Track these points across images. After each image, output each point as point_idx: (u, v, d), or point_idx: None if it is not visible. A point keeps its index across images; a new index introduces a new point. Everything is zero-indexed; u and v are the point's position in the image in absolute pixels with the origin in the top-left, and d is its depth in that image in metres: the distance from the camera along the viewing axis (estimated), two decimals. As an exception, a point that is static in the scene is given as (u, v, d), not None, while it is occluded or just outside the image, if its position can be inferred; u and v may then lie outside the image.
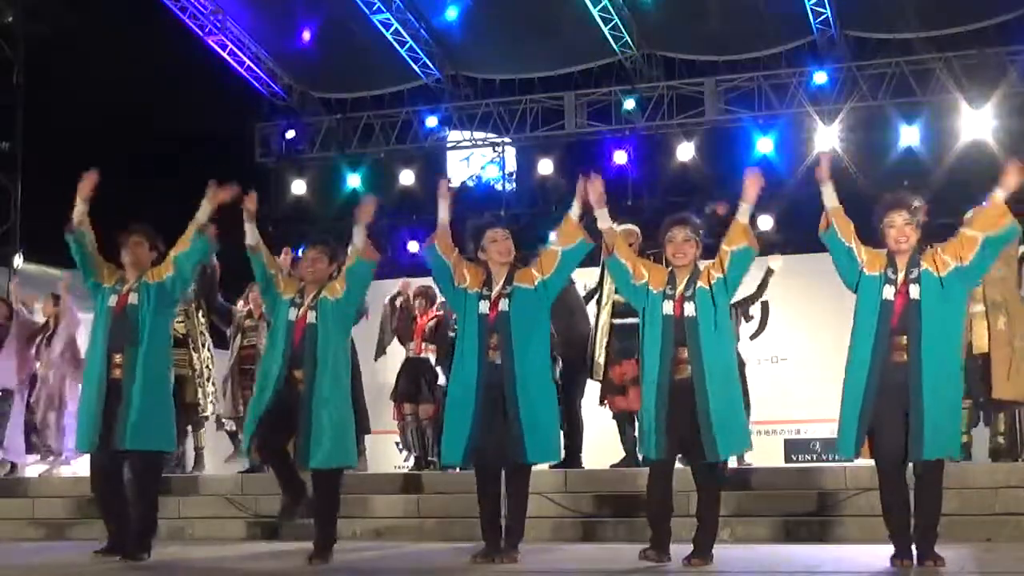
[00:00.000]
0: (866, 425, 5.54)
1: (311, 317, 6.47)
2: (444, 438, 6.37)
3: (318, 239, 6.81)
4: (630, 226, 9.04)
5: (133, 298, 6.68)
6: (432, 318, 10.44)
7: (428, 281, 11.26)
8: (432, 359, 10.40)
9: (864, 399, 5.55)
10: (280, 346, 6.48)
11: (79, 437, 6.74)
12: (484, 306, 6.25)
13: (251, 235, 6.72)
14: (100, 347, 6.67)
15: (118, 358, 6.61)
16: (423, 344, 10.41)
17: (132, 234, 6.85)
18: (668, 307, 5.94)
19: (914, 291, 5.58)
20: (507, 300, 6.22)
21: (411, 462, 10.59)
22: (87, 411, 6.66)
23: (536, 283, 6.25)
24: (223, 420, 10.30)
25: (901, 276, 5.64)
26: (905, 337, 5.54)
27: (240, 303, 10.43)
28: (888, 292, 5.62)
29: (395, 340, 10.53)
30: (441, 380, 10.36)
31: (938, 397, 5.48)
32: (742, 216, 6.02)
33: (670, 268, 6.10)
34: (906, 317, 5.56)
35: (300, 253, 6.81)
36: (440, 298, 10.53)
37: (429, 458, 10.49)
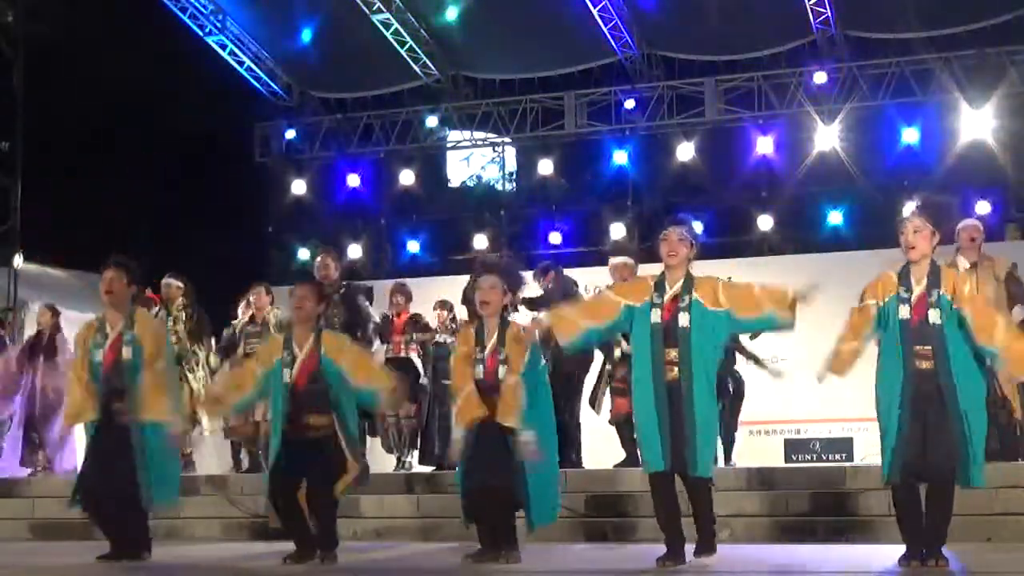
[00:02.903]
0: (910, 449, 5.46)
1: (311, 366, 6.38)
2: (457, 477, 6.33)
3: (305, 278, 6.81)
4: (625, 259, 9.08)
5: (126, 352, 6.57)
6: (409, 316, 10.45)
7: (420, 280, 11.32)
8: (412, 357, 10.42)
9: (900, 420, 5.46)
10: (280, 406, 6.38)
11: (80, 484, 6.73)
12: (479, 371, 6.19)
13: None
14: (97, 398, 6.57)
15: (119, 405, 6.52)
16: (402, 344, 10.40)
17: (109, 268, 6.68)
18: (655, 315, 5.89)
19: (933, 315, 5.52)
20: (505, 367, 6.16)
21: (413, 460, 10.60)
22: (91, 460, 6.61)
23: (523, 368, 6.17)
24: (227, 430, 10.27)
25: (918, 291, 5.59)
26: (928, 347, 5.50)
27: (242, 306, 10.41)
28: (903, 311, 5.56)
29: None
30: (423, 379, 10.37)
31: (971, 420, 5.46)
32: (798, 294, 5.85)
33: (660, 272, 6.09)
34: (927, 336, 5.51)
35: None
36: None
37: (406, 459, 10.52)
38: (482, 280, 6.39)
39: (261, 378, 6.52)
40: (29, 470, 10.68)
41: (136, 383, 6.52)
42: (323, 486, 6.35)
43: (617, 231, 15.44)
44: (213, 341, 10.60)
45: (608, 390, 9.29)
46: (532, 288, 9.04)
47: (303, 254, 15.76)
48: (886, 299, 5.63)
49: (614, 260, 9.21)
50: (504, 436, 6.06)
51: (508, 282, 6.36)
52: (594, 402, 9.40)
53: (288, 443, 6.32)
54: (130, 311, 6.71)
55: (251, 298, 10.19)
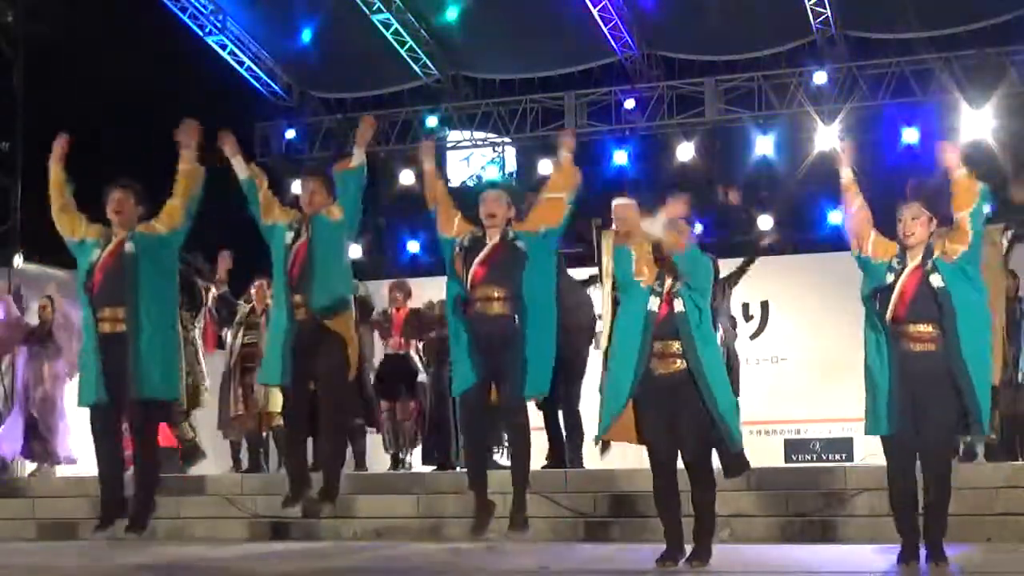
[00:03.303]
0: (896, 404, 5.52)
1: (307, 237, 6.57)
2: (454, 371, 6.54)
3: (315, 170, 6.90)
4: (628, 200, 9.04)
5: (129, 247, 6.62)
6: (408, 312, 10.46)
7: (420, 280, 11.35)
8: (411, 355, 10.42)
9: (890, 380, 5.53)
10: (281, 273, 6.58)
11: (82, 393, 6.72)
12: (466, 276, 6.40)
13: (241, 169, 6.82)
14: (90, 304, 6.62)
15: (109, 312, 6.55)
16: (401, 340, 10.42)
17: (116, 188, 6.78)
18: (654, 303, 5.87)
19: (936, 280, 5.57)
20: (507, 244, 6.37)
21: (413, 459, 10.60)
22: (87, 368, 6.63)
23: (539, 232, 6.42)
24: (226, 429, 10.27)
25: (912, 264, 5.63)
26: (929, 327, 5.54)
27: (242, 300, 10.40)
28: (889, 277, 5.63)
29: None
30: (422, 377, 10.37)
31: (979, 380, 5.51)
32: (655, 230, 5.91)
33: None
34: (929, 306, 5.55)
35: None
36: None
37: (405, 458, 10.52)
38: (486, 193, 6.45)
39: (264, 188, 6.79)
40: (33, 464, 10.68)
41: (137, 280, 6.53)
42: (334, 381, 6.47)
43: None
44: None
45: None
46: None
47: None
48: (886, 259, 5.68)
49: (619, 200, 9.12)
50: (500, 324, 6.25)
51: (512, 197, 6.44)
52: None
53: (292, 323, 6.42)
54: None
55: (252, 290, 10.18)
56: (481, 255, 6.47)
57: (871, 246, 5.77)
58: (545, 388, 6.63)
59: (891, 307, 5.59)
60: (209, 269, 10.03)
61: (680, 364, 5.80)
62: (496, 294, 6.40)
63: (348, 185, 6.74)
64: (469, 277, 6.44)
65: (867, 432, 5.71)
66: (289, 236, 6.59)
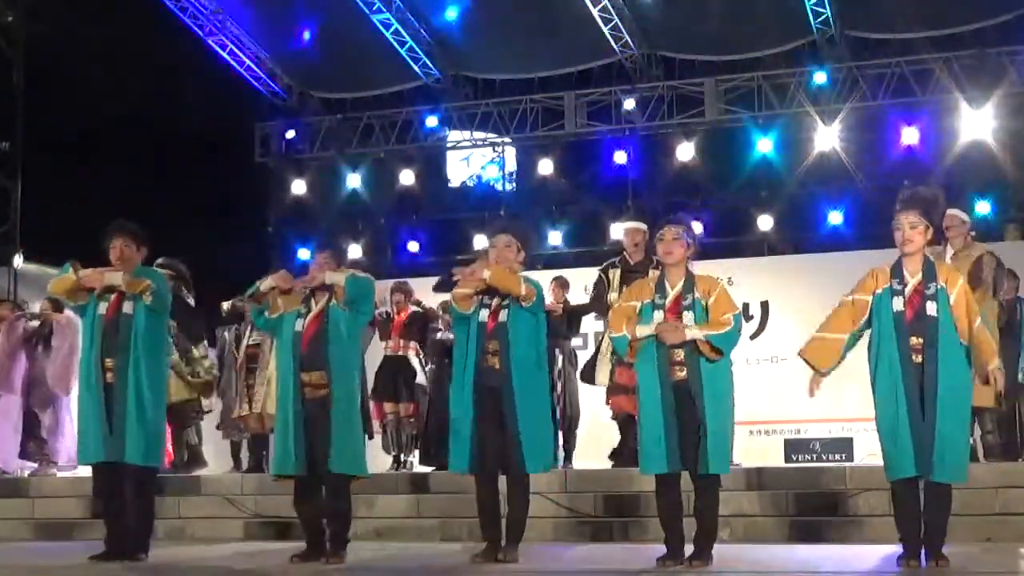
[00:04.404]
0: (922, 440, 5.45)
1: (319, 324, 6.44)
2: (451, 446, 6.39)
3: (327, 244, 6.83)
4: (637, 224, 9.09)
5: (127, 307, 6.60)
6: (409, 314, 10.45)
7: (420, 280, 11.34)
8: (410, 356, 10.41)
9: (911, 416, 5.46)
10: (288, 357, 6.46)
11: (81, 449, 6.71)
12: (483, 314, 6.28)
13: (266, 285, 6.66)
14: (94, 354, 6.60)
15: (111, 362, 6.57)
16: (401, 342, 10.41)
17: (117, 236, 6.73)
18: (659, 317, 5.90)
19: (931, 308, 5.52)
20: (506, 311, 6.24)
21: (413, 460, 10.59)
22: (87, 422, 6.61)
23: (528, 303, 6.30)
24: (230, 428, 10.25)
25: (912, 284, 5.59)
26: (919, 339, 5.49)
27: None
28: (897, 303, 5.57)
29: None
30: (420, 378, 10.37)
31: (952, 419, 5.46)
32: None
33: (659, 271, 6.09)
34: (921, 328, 5.51)
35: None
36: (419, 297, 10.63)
37: (406, 459, 10.51)
38: (496, 239, 6.43)
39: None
40: (31, 466, 10.64)
41: (135, 341, 6.53)
42: (339, 480, 6.36)
43: (617, 231, 15.45)
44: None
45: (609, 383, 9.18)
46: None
47: (303, 254, 15.77)
48: (879, 291, 5.62)
49: (627, 224, 9.24)
50: (498, 406, 6.14)
51: (521, 240, 6.41)
52: (592, 378, 9.24)
53: (301, 407, 6.33)
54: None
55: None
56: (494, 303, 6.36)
57: (861, 291, 5.70)
58: None
59: (905, 331, 5.52)
60: (188, 273, 10.00)
61: (683, 374, 5.84)
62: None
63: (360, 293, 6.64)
64: None
65: (898, 475, 5.60)
66: (300, 323, 6.45)
